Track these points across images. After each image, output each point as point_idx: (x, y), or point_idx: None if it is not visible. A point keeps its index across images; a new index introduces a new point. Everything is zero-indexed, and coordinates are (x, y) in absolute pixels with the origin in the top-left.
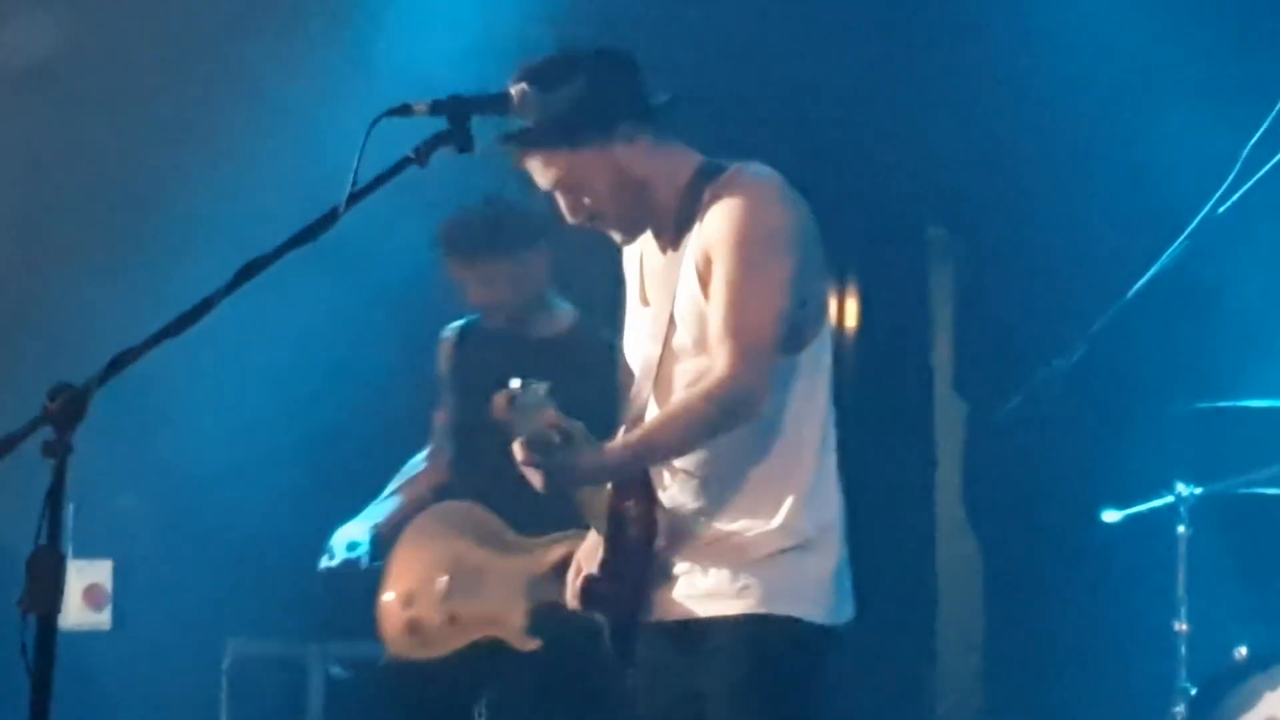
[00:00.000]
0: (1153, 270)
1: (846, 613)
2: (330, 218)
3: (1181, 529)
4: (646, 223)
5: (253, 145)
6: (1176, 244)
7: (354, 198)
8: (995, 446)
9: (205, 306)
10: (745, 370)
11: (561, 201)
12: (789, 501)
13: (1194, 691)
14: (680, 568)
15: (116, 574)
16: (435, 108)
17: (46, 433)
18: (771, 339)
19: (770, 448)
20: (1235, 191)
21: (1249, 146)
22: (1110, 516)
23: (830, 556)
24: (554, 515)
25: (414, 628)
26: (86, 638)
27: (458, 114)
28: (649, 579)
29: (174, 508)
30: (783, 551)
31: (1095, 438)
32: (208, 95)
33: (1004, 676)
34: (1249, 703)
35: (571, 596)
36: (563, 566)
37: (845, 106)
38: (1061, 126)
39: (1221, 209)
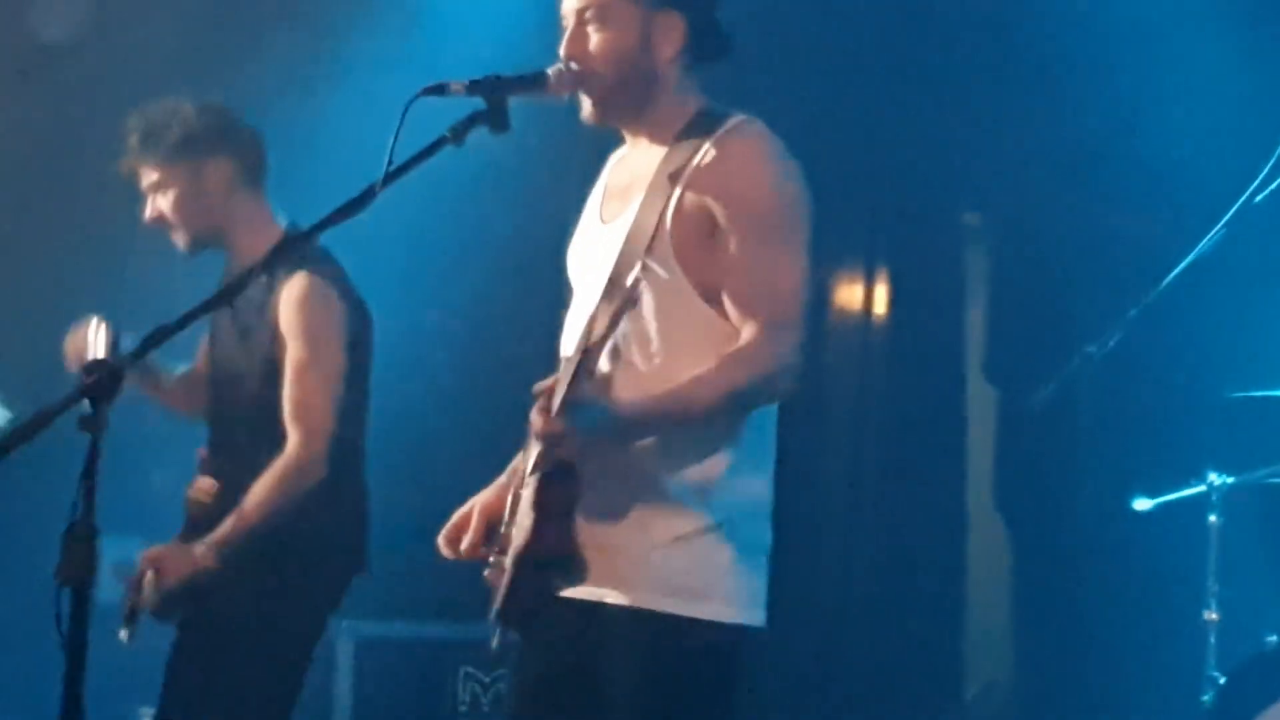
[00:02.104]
0: (1189, 258)
1: (757, 616)
2: (367, 196)
3: (1213, 518)
4: (625, 112)
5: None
6: (1213, 232)
7: (390, 177)
8: (1027, 434)
9: (240, 284)
10: (778, 342)
11: (569, 26)
12: (700, 483)
13: (1223, 680)
14: (583, 538)
15: None
16: (472, 87)
17: (82, 408)
18: (800, 308)
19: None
20: (1273, 179)
21: None
22: (1142, 505)
23: (738, 547)
24: None
25: None
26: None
27: (495, 94)
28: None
29: None
30: (689, 536)
31: (1128, 426)
32: (244, 78)
33: (1032, 664)
34: (1278, 691)
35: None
36: None
37: (880, 92)
38: (1097, 112)
39: (1259, 197)
